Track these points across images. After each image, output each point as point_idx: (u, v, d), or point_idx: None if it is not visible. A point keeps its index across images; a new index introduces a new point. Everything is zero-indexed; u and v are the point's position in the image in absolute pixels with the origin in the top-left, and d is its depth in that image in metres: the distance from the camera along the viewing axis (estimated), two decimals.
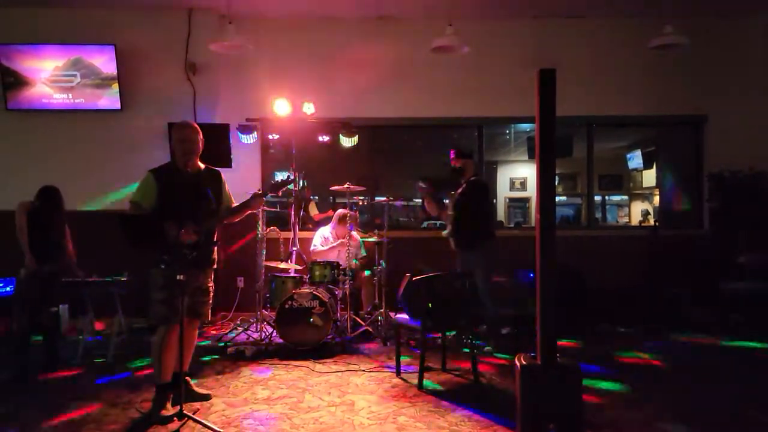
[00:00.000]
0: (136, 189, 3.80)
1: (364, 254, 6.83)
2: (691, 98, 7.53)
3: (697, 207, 7.77)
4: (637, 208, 11.63)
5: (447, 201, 5.73)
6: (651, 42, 6.24)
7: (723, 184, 7.21)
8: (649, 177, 10.32)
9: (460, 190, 5.55)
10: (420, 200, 8.75)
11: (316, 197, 8.41)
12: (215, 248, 4.03)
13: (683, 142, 8.03)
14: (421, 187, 5.64)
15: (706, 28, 7.28)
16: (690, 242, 7.26)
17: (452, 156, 5.65)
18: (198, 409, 3.85)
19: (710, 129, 7.61)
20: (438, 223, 8.60)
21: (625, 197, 12.15)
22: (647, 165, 9.84)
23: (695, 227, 7.68)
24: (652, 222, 8.66)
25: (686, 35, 6.14)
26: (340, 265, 5.96)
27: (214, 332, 6.31)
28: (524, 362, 3.22)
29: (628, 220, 11.79)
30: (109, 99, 6.87)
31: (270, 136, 6.86)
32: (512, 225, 11.03)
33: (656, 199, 10.09)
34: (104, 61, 6.80)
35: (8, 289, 6.25)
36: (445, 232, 5.68)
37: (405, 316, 4.72)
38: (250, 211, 4.09)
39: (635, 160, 10.08)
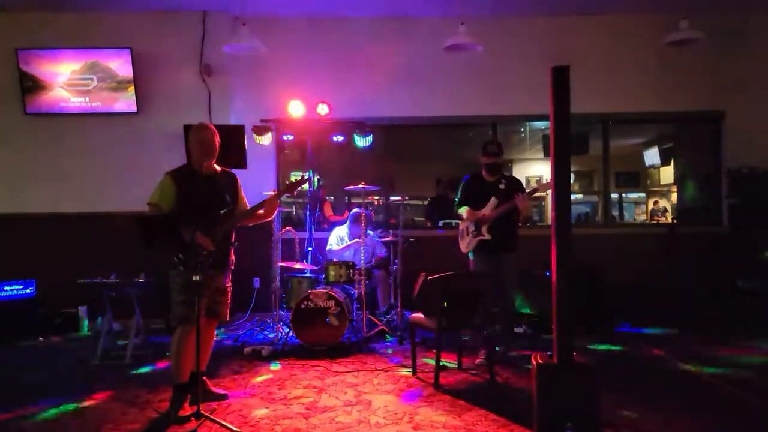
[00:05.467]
0: (154, 191, 3.84)
1: (385, 251, 6.77)
2: (708, 94, 7.44)
3: (715, 204, 7.67)
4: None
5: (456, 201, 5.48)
6: (667, 38, 6.17)
7: (742, 180, 7.11)
8: (667, 174, 10.21)
9: (503, 187, 5.04)
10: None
11: (331, 197, 8.43)
12: (232, 249, 4.06)
13: (701, 138, 7.94)
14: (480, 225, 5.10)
15: (723, 23, 7.18)
16: (708, 239, 7.17)
17: (494, 150, 5.11)
18: (215, 409, 3.88)
19: (728, 125, 7.51)
20: (454, 222, 8.56)
21: (643, 194, 12.04)
22: (664, 162, 9.74)
23: (714, 224, 7.58)
24: (669, 218, 8.58)
25: (702, 30, 6.07)
26: (356, 265, 5.96)
27: (230, 332, 6.36)
28: (540, 361, 3.21)
29: (645, 218, 11.68)
30: (126, 102, 6.93)
31: (285, 137, 6.89)
32: (528, 224, 10.96)
33: (674, 196, 9.98)
34: (120, 65, 6.86)
35: (28, 290, 6.35)
36: (487, 236, 5.03)
37: (420, 315, 4.71)
38: (265, 215, 4.11)
39: (652, 156, 9.98)
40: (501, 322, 5.33)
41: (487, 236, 5.04)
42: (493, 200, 5.05)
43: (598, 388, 3.19)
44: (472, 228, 5.15)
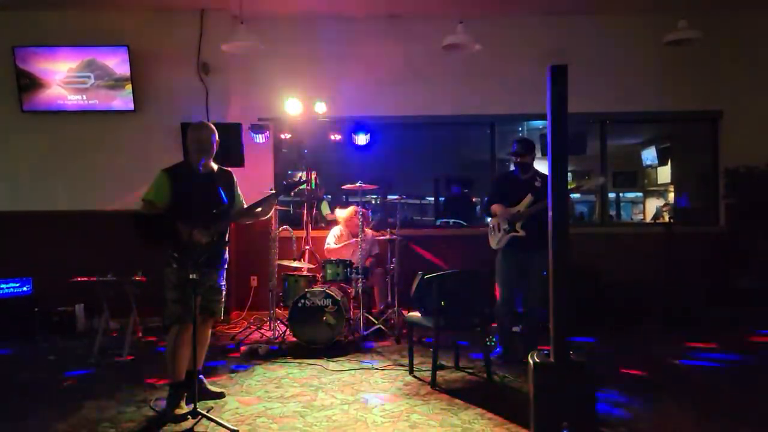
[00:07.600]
0: (149, 187, 3.83)
1: (378, 249, 6.78)
2: (706, 94, 7.44)
3: (712, 203, 7.68)
4: (652, 205, 11.52)
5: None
6: (665, 37, 6.17)
7: (739, 179, 7.12)
8: (664, 173, 10.22)
9: (539, 185, 4.99)
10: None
11: (329, 196, 8.42)
12: (227, 248, 4.06)
13: (698, 137, 7.95)
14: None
15: (721, 22, 7.19)
16: (706, 239, 7.18)
17: (519, 150, 5.09)
18: (212, 408, 3.87)
19: (726, 124, 7.52)
20: (451, 221, 8.57)
21: (640, 194, 12.04)
22: (662, 161, 9.74)
23: (711, 224, 7.59)
24: (666, 218, 8.59)
25: (701, 30, 6.07)
26: (353, 264, 5.96)
27: (227, 331, 6.35)
28: (537, 360, 3.20)
29: (642, 217, 11.69)
30: (123, 100, 6.90)
31: (282, 136, 6.89)
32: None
33: (671, 196, 10.00)
34: (117, 63, 6.84)
35: (25, 288, 6.34)
36: (521, 232, 4.99)
37: (418, 314, 4.71)
38: (262, 213, 4.11)
39: (650, 156, 9.98)
40: (529, 322, 5.22)
41: (521, 233, 5.02)
42: (528, 197, 5.02)
43: (594, 387, 3.19)
44: (504, 225, 5.13)
